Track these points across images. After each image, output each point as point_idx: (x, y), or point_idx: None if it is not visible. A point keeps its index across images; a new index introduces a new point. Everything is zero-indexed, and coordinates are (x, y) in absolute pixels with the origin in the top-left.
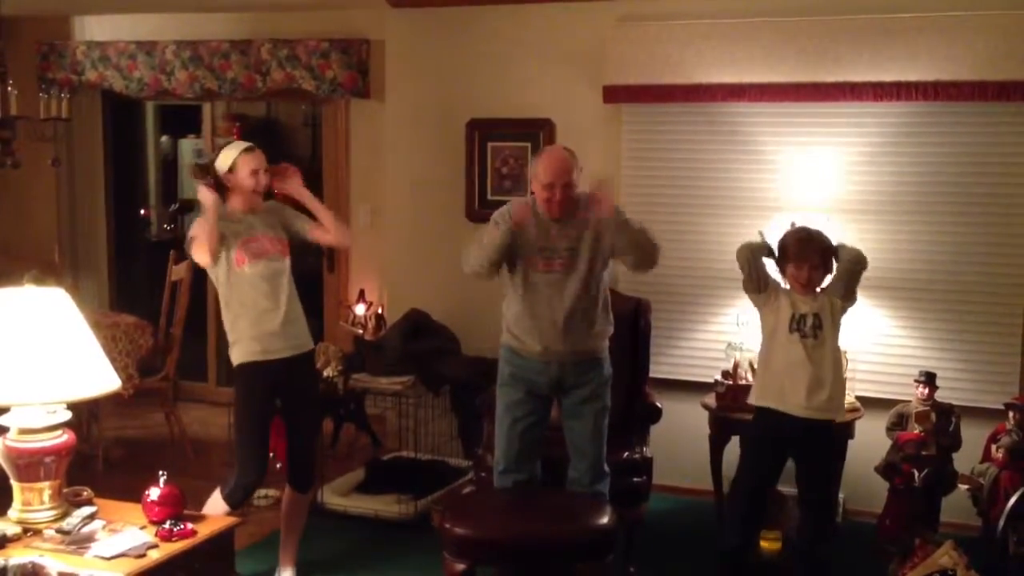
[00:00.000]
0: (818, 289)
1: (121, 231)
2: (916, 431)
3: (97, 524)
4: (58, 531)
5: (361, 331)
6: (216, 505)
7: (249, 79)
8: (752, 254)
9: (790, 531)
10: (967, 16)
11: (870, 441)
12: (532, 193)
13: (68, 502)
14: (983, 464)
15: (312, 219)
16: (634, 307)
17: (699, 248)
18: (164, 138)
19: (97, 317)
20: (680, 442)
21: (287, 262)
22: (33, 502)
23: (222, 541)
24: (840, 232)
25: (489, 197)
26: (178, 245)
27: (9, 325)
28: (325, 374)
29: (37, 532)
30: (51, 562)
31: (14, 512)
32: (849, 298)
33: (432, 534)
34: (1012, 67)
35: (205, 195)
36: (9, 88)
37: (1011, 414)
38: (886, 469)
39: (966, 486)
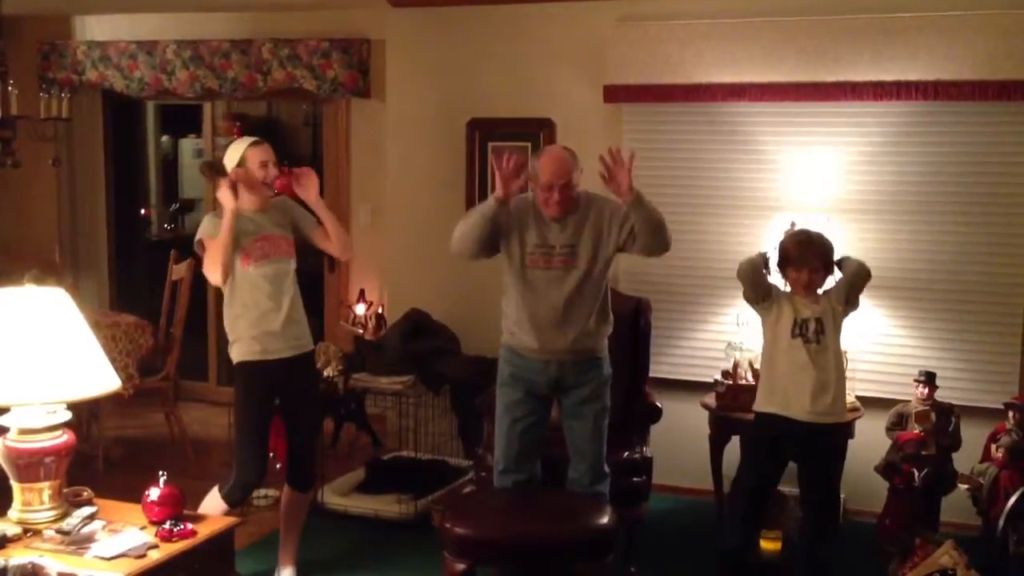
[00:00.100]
0: (820, 291)
1: (121, 231)
2: (916, 431)
3: (97, 524)
4: (58, 531)
5: (361, 331)
6: (214, 504)
7: (250, 79)
8: (752, 268)
9: (791, 531)
10: (967, 16)
11: (870, 441)
12: (532, 191)
13: (68, 502)
14: (983, 464)
15: (320, 223)
16: (634, 307)
17: (699, 248)
18: (165, 138)
19: (97, 317)
20: (680, 442)
21: (292, 263)
22: (33, 502)
23: (222, 541)
24: (840, 232)
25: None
26: (178, 245)
27: (9, 325)
28: (325, 374)
29: (37, 532)
30: (51, 562)
31: (14, 512)
32: (851, 305)
33: (432, 534)
34: (1012, 67)
35: (227, 198)
36: (10, 88)
37: (1011, 414)
38: (886, 469)
39: (966, 486)
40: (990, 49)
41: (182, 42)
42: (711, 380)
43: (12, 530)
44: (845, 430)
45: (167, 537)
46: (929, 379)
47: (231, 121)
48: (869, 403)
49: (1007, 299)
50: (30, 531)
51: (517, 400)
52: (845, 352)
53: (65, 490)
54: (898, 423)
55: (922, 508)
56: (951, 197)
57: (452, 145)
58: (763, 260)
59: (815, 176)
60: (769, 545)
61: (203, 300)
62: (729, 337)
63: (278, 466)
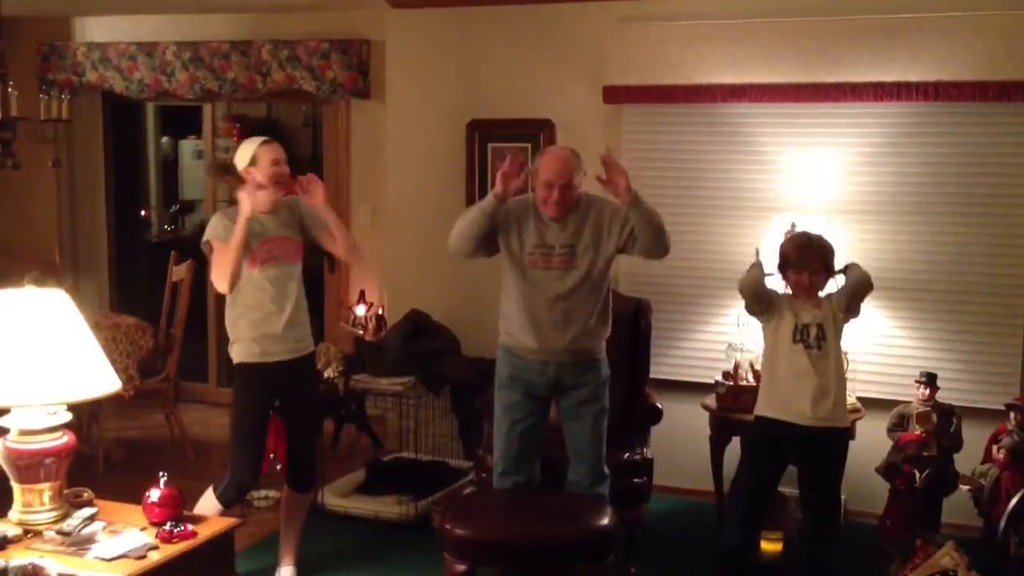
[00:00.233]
0: (821, 294)
1: (121, 232)
2: (917, 432)
3: (97, 525)
4: (58, 532)
5: (361, 332)
6: (208, 504)
7: (249, 80)
8: (753, 283)
9: (792, 532)
10: (967, 16)
11: (871, 442)
12: (533, 190)
13: (68, 503)
14: (984, 465)
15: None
16: (634, 307)
17: (700, 249)
18: (165, 139)
19: (97, 318)
20: (680, 443)
21: (298, 266)
22: (33, 503)
23: (222, 542)
24: (841, 233)
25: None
26: (179, 246)
27: (10, 326)
28: (326, 375)
29: (37, 533)
30: (51, 563)
31: (14, 513)
32: (851, 313)
33: (433, 535)
34: (1012, 67)
35: (245, 203)
36: (10, 89)
37: (1012, 415)
38: (887, 470)
39: (967, 487)
40: (990, 50)
41: (182, 43)
42: (712, 381)
43: (12, 531)
44: (845, 434)
45: (167, 538)
46: (930, 380)
47: (231, 122)
48: (870, 404)
49: (1008, 300)
50: (30, 532)
51: (516, 402)
52: (846, 353)
53: (65, 491)
54: (899, 424)
55: (923, 509)
56: (951, 198)
57: (452, 146)
58: (761, 270)
59: (815, 177)
60: (770, 546)
61: (203, 301)
62: (730, 338)
63: (279, 467)
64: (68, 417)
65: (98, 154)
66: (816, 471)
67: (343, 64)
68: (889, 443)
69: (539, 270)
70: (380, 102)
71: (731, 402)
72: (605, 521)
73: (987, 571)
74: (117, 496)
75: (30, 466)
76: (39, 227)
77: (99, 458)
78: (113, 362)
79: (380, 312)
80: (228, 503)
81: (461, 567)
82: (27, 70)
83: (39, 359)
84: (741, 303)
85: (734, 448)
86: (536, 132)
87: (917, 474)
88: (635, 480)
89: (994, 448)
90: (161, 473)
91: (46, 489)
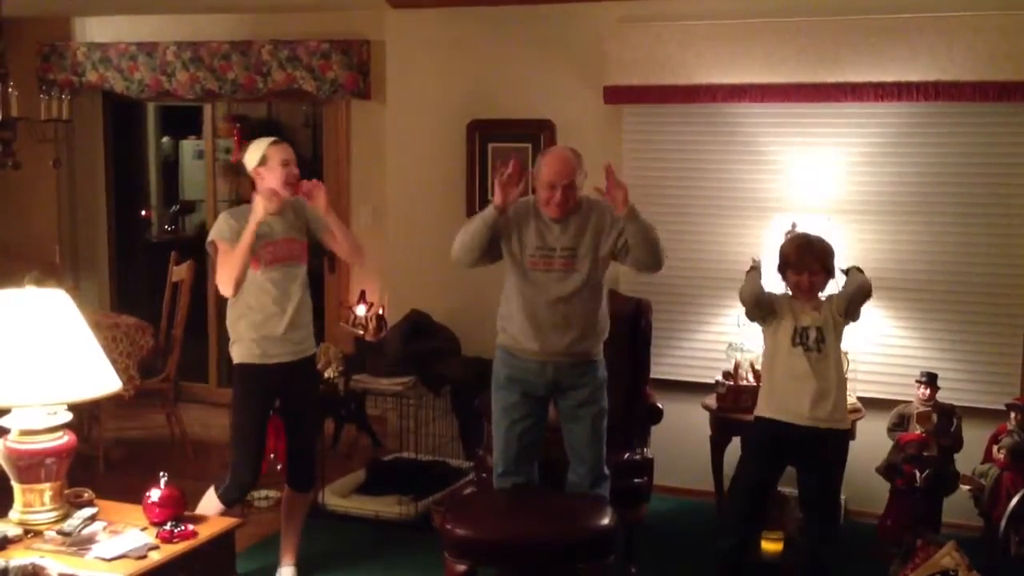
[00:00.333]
0: (821, 295)
1: (122, 232)
2: (917, 432)
3: (98, 525)
4: (59, 532)
5: (362, 332)
6: (210, 504)
7: (250, 80)
8: (753, 290)
9: (792, 532)
10: (968, 16)
11: (871, 442)
12: (534, 191)
13: (69, 503)
14: (985, 465)
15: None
16: (635, 307)
17: (700, 249)
18: (165, 139)
19: (98, 318)
20: (681, 443)
21: (302, 268)
22: (34, 503)
23: (223, 542)
24: (841, 233)
25: (490, 198)
26: (179, 246)
27: (10, 326)
28: (326, 375)
29: (38, 533)
30: (52, 563)
31: (15, 513)
32: (850, 317)
33: (433, 535)
34: (1013, 67)
35: (259, 207)
36: (10, 89)
37: (1012, 415)
38: (887, 470)
39: (968, 487)
40: (991, 50)
41: (182, 44)
42: (712, 381)
43: (13, 531)
44: (845, 436)
45: (168, 538)
46: (930, 380)
47: (231, 122)
48: (870, 404)
49: (1008, 300)
50: (31, 532)
51: (514, 402)
52: (846, 353)
53: (66, 491)
54: (899, 424)
55: (924, 509)
56: (952, 198)
57: (452, 146)
58: (759, 275)
59: (816, 177)
60: (770, 546)
61: (203, 301)
62: (730, 338)
63: (279, 467)
64: (68, 417)
65: (98, 154)
66: (815, 472)
67: (343, 64)
68: (889, 443)
69: (540, 272)
70: (380, 102)
71: (731, 402)
72: (605, 521)
73: (988, 571)
74: (117, 496)
75: (31, 466)
76: (39, 227)
77: (99, 458)
78: (113, 362)
79: (380, 312)
80: (230, 503)
81: (461, 567)
82: (27, 70)
83: (39, 359)
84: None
85: (734, 448)
86: (536, 132)
87: (917, 474)
88: (635, 480)
89: (994, 448)
90: (161, 473)
91: (47, 489)
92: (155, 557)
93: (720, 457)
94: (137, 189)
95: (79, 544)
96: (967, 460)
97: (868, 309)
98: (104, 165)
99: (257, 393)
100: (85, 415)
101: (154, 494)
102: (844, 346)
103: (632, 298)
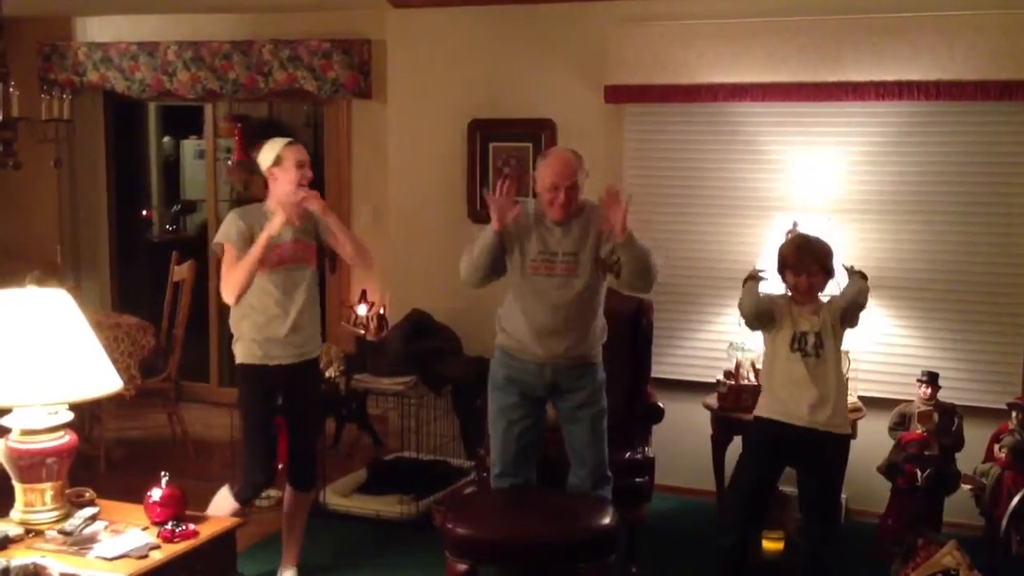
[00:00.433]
0: (821, 296)
1: (123, 232)
2: (919, 431)
3: (99, 525)
4: (60, 532)
5: (363, 331)
6: (223, 503)
7: (251, 80)
8: (752, 300)
9: (793, 531)
10: (969, 15)
11: (872, 441)
12: (535, 195)
13: (70, 503)
14: (986, 464)
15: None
16: (636, 307)
17: (701, 248)
18: (166, 139)
19: (99, 318)
20: (682, 442)
21: (309, 271)
22: (35, 503)
23: (224, 542)
24: (842, 232)
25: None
26: (180, 246)
27: (11, 326)
28: (327, 374)
29: (39, 533)
30: (53, 563)
31: (16, 513)
32: (848, 324)
33: (434, 534)
34: (1014, 66)
35: (277, 220)
36: (11, 89)
37: (1014, 414)
38: (889, 469)
39: (969, 486)
40: (992, 49)
41: (183, 43)
42: (713, 380)
43: (14, 531)
44: (845, 440)
45: (169, 538)
46: (932, 379)
47: (232, 122)
48: (871, 403)
49: (1010, 299)
50: (32, 532)
51: (513, 403)
52: (847, 352)
53: (67, 491)
54: (901, 423)
55: (925, 508)
56: (953, 197)
57: (453, 146)
58: (757, 284)
59: (817, 176)
60: (771, 545)
61: (204, 301)
62: (731, 337)
63: (280, 466)
64: (70, 417)
65: (99, 154)
66: (815, 474)
67: (344, 64)
68: (891, 442)
69: (542, 277)
70: (381, 102)
71: (732, 401)
72: (606, 520)
73: (989, 570)
74: (119, 496)
75: (32, 466)
76: (41, 227)
77: (101, 458)
78: (114, 362)
79: (381, 312)
80: (245, 501)
81: (462, 566)
82: (28, 70)
83: (41, 359)
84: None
85: (735, 447)
86: (537, 132)
87: (919, 473)
88: (636, 479)
89: (996, 447)
90: (163, 473)
91: (48, 489)
92: (156, 557)
93: (721, 456)
94: (138, 189)
95: (80, 544)
96: (968, 459)
97: (869, 308)
98: (105, 165)
99: (260, 392)
100: (86, 415)
101: (155, 494)
102: (845, 346)
103: (633, 297)
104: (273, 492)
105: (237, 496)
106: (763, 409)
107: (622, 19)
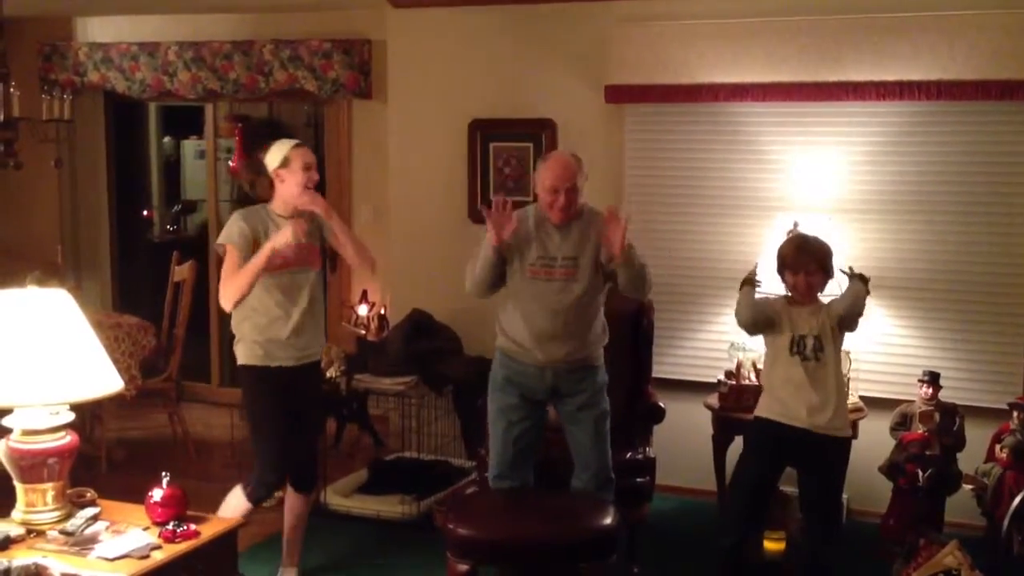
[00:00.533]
0: (821, 296)
1: (124, 232)
2: (920, 431)
3: (100, 525)
4: (61, 532)
5: (364, 332)
6: (236, 503)
7: (251, 80)
8: (749, 308)
9: (794, 532)
10: (970, 15)
11: (874, 441)
12: (535, 197)
13: (71, 503)
14: (987, 464)
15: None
16: (637, 307)
17: (702, 248)
18: (167, 139)
19: (100, 318)
20: (683, 442)
21: (312, 274)
22: (36, 503)
23: (225, 542)
24: (843, 232)
25: (491, 198)
26: (181, 246)
27: (12, 326)
28: (328, 375)
29: (40, 533)
30: (54, 563)
31: (17, 513)
32: (847, 329)
33: (435, 535)
34: (1015, 66)
35: (283, 238)
36: (11, 89)
37: (1015, 414)
38: (890, 469)
39: (970, 486)
40: (993, 48)
41: (183, 43)
42: (714, 380)
43: (16, 531)
44: (846, 442)
45: (170, 538)
46: (933, 379)
47: (233, 122)
48: (873, 403)
49: (1011, 299)
50: (34, 532)
51: (512, 404)
52: (848, 352)
53: (68, 491)
54: (902, 423)
55: (926, 508)
56: (954, 197)
57: (454, 145)
58: (753, 291)
59: (818, 176)
60: (773, 545)
61: (205, 301)
62: (732, 337)
63: None
64: (71, 417)
65: (100, 154)
66: (816, 475)
67: (345, 64)
68: (892, 442)
69: (541, 281)
70: (382, 102)
71: (733, 401)
72: (608, 521)
73: (990, 570)
74: (120, 496)
75: (33, 466)
76: (41, 227)
77: (102, 458)
78: (115, 362)
79: (382, 312)
80: (258, 501)
81: (464, 567)
82: (29, 70)
83: (41, 359)
84: None
85: (736, 447)
86: (538, 132)
87: (920, 473)
88: (638, 479)
89: (997, 447)
90: (164, 473)
91: (49, 489)
92: (157, 557)
93: (722, 456)
94: (139, 189)
95: (81, 544)
96: (970, 459)
97: (871, 308)
98: (106, 165)
99: (266, 392)
100: (87, 415)
101: (156, 494)
102: (846, 346)
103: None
104: (276, 492)
105: (250, 496)
106: (763, 409)
107: (623, 19)
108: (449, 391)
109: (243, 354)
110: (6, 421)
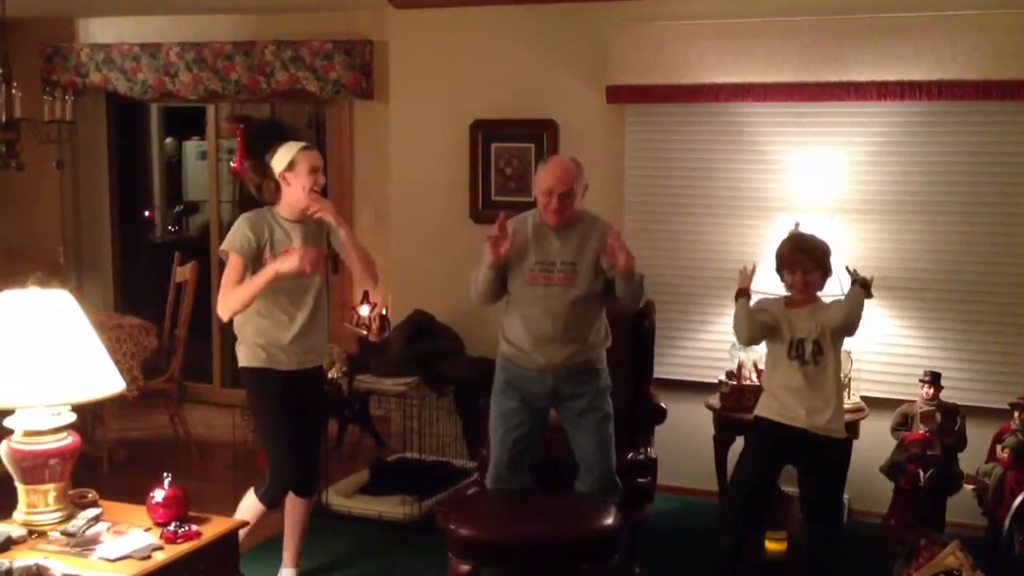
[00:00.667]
0: (821, 295)
1: (125, 233)
2: (921, 431)
3: (102, 526)
4: (63, 533)
5: (365, 332)
6: (249, 506)
7: (253, 81)
8: (744, 327)
9: (796, 532)
10: (971, 15)
11: (875, 441)
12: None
13: (73, 504)
14: (988, 464)
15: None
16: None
17: (703, 248)
18: (168, 140)
19: (101, 319)
20: (685, 443)
21: (317, 279)
22: (38, 504)
23: (227, 543)
24: (845, 232)
25: (493, 198)
26: (183, 246)
27: (14, 327)
28: (330, 375)
29: (42, 534)
30: (56, 564)
31: (19, 514)
32: (846, 335)
33: (437, 535)
34: (1017, 66)
35: (286, 267)
36: (13, 90)
37: (1016, 414)
38: (891, 469)
39: (971, 486)
40: (995, 48)
41: (185, 44)
42: (715, 381)
43: (17, 532)
44: (846, 442)
45: (172, 539)
46: (934, 379)
47: (234, 123)
48: (874, 404)
49: (1012, 299)
50: (35, 533)
51: (512, 409)
52: (849, 352)
53: (70, 492)
54: (903, 423)
55: (927, 508)
56: (956, 197)
57: (455, 146)
58: (748, 300)
59: (819, 176)
60: (774, 546)
61: (207, 302)
62: (733, 338)
63: None
64: (72, 418)
65: (102, 155)
66: (816, 475)
67: (346, 65)
68: (893, 442)
69: (540, 286)
70: (383, 103)
71: (735, 402)
72: (609, 521)
73: (991, 570)
74: (121, 497)
75: (35, 467)
76: (43, 228)
77: (103, 459)
78: (117, 363)
79: (384, 312)
80: (271, 504)
81: (465, 567)
82: (31, 71)
83: (43, 360)
84: None
85: (738, 447)
86: (539, 132)
87: (921, 473)
88: (639, 480)
89: (998, 447)
90: (165, 474)
91: (51, 490)
92: (159, 558)
93: (724, 457)
94: (140, 190)
95: (83, 545)
96: (971, 459)
97: (872, 309)
98: (107, 166)
99: (270, 394)
100: (89, 416)
101: (158, 495)
102: (848, 346)
103: None
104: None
105: (263, 499)
106: (763, 409)
107: (624, 19)
108: (450, 392)
109: (245, 356)
110: (8, 422)
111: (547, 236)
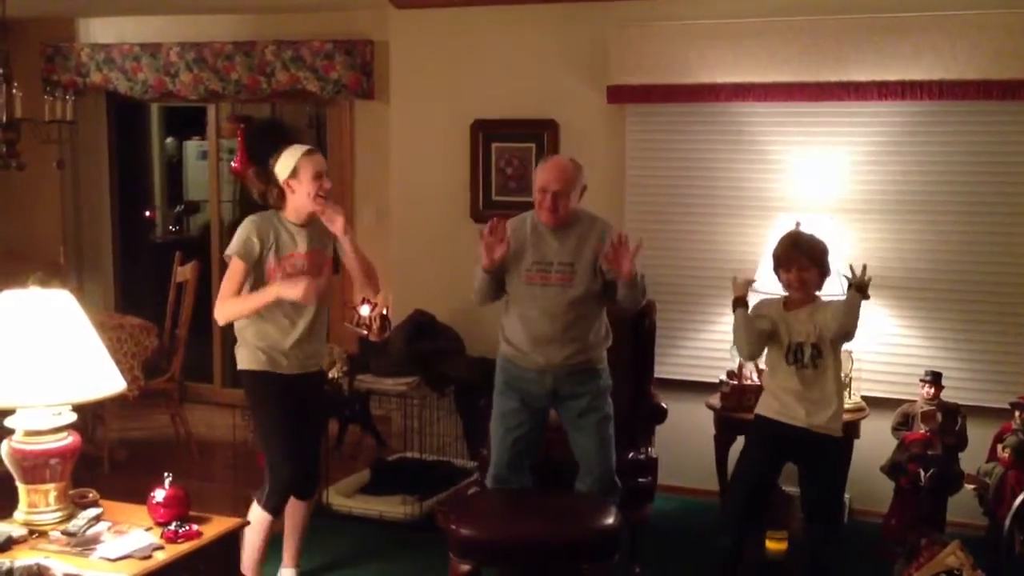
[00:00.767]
0: (819, 295)
1: (126, 233)
2: (922, 431)
3: (102, 526)
4: (64, 533)
5: (366, 332)
6: (258, 521)
7: (253, 81)
8: (746, 333)
9: (797, 531)
10: (971, 15)
11: (876, 441)
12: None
13: (74, 504)
14: (989, 464)
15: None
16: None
17: (704, 248)
18: (169, 140)
19: (102, 319)
20: (685, 442)
21: (322, 281)
22: (39, 504)
23: (227, 543)
24: (845, 232)
25: (494, 198)
26: (183, 246)
27: (14, 327)
28: (330, 375)
29: (43, 534)
30: (57, 564)
31: (20, 514)
32: (843, 340)
33: (437, 535)
34: (1017, 66)
35: (290, 293)
36: (14, 90)
37: (1017, 413)
38: (892, 469)
39: (972, 486)
40: (995, 48)
41: (186, 44)
42: (716, 380)
43: (18, 531)
44: (847, 430)
45: (172, 538)
46: (935, 379)
47: (235, 123)
48: (874, 403)
49: (1013, 298)
50: (36, 532)
51: (512, 409)
52: (850, 352)
53: (71, 492)
54: (904, 423)
55: (928, 508)
56: (956, 197)
57: (456, 146)
58: (747, 310)
59: (820, 176)
60: (775, 545)
61: (208, 302)
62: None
63: None
64: (73, 418)
65: (102, 155)
66: (816, 474)
67: (347, 65)
68: (894, 442)
69: (537, 286)
70: (384, 103)
71: (735, 401)
72: (610, 521)
73: (992, 570)
74: (122, 497)
75: (35, 467)
76: (43, 228)
77: (104, 459)
78: (118, 363)
79: (384, 312)
80: (275, 510)
81: (466, 567)
82: (31, 71)
83: (44, 360)
84: None
85: (738, 447)
86: (540, 132)
87: (922, 473)
88: (640, 480)
89: (999, 447)
90: (166, 473)
91: (51, 490)
92: (160, 557)
93: (724, 456)
94: (141, 190)
95: (84, 544)
96: (971, 459)
97: (873, 309)
98: (108, 166)
99: (270, 396)
100: (90, 416)
101: (159, 494)
102: (848, 346)
103: None
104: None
105: (266, 506)
106: (763, 408)
107: (624, 19)
108: (451, 391)
109: (245, 359)
110: (8, 422)
111: (545, 236)
